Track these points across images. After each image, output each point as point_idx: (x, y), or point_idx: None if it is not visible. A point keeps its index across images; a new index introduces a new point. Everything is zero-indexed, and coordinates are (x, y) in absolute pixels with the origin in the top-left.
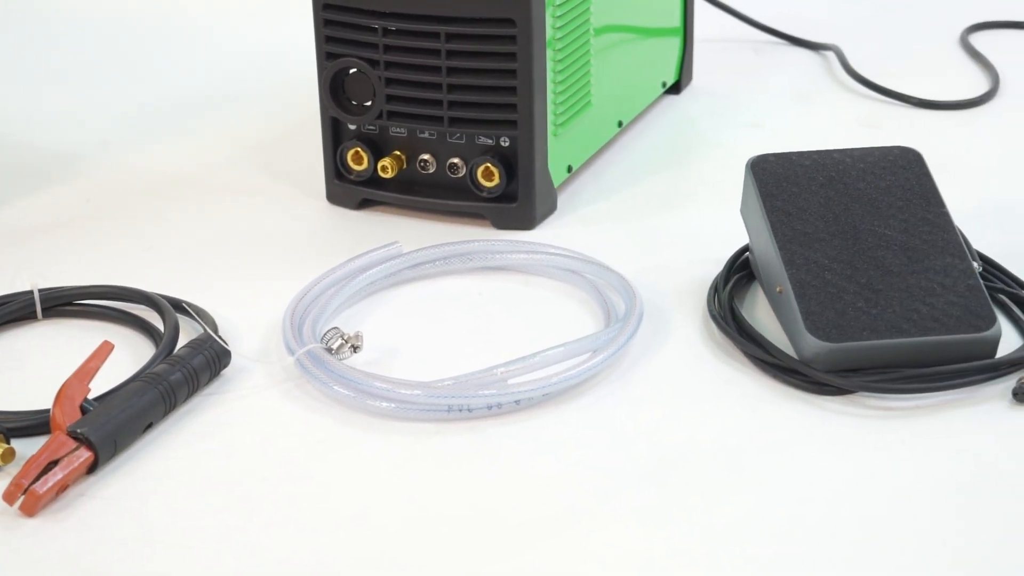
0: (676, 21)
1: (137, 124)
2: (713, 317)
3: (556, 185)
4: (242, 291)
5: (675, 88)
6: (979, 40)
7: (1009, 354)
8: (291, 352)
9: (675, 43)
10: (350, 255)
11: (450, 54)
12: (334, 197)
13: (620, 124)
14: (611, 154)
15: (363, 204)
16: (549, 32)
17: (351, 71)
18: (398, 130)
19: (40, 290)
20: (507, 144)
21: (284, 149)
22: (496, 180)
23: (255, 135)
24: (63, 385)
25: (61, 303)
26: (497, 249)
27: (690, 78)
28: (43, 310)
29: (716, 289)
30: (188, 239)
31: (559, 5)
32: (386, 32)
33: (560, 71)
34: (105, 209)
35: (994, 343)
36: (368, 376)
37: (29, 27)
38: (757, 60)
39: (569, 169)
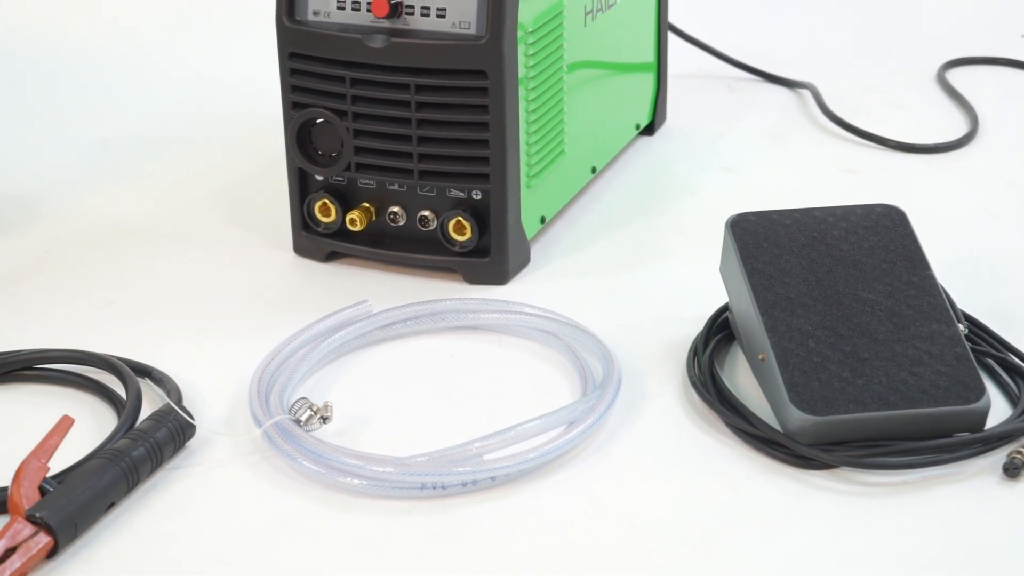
0: (650, 59)
1: (97, 164)
2: (693, 384)
3: (529, 237)
4: (206, 353)
5: (648, 129)
6: (956, 77)
7: (998, 426)
8: (258, 423)
9: (648, 83)
10: (318, 312)
11: (420, 106)
12: (301, 249)
13: (594, 170)
14: (584, 202)
15: (331, 256)
16: (522, 83)
17: (318, 121)
18: (367, 182)
19: None
20: (479, 197)
21: (248, 195)
22: (468, 234)
23: (217, 179)
24: (21, 464)
25: (18, 367)
26: (469, 308)
27: (663, 118)
28: None
29: (696, 353)
30: (150, 293)
31: (531, 55)
32: (354, 82)
33: (533, 121)
34: (64, 260)
35: (983, 415)
36: (338, 451)
37: None
38: (731, 98)
39: (542, 220)
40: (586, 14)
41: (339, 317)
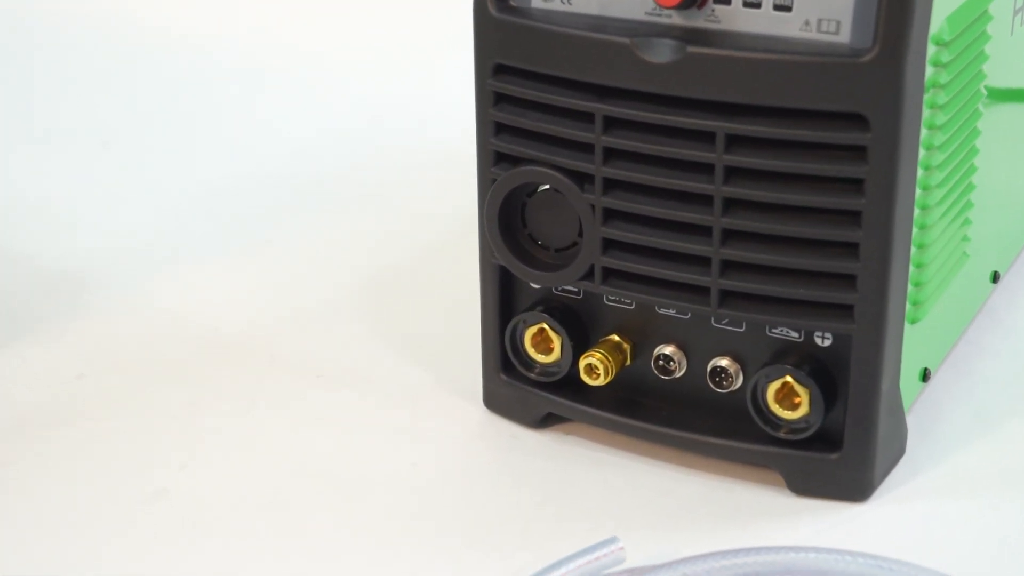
0: None
1: (180, 228)
2: None
3: (907, 407)
4: None
5: None
6: None
7: None
8: None
9: None
10: (528, 544)
11: (732, 173)
12: (497, 403)
13: (995, 278)
14: (981, 330)
15: (549, 420)
16: (925, 142)
17: (539, 189)
18: (620, 300)
19: None
20: (826, 343)
21: (403, 293)
22: (803, 408)
23: (361, 261)
24: None
25: None
26: (820, 567)
27: None
28: None
29: None
30: (234, 477)
31: (944, 87)
32: (611, 124)
33: (934, 206)
34: (103, 396)
35: None
36: None
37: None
38: None
39: (925, 376)
40: (1015, 13)
41: (570, 571)
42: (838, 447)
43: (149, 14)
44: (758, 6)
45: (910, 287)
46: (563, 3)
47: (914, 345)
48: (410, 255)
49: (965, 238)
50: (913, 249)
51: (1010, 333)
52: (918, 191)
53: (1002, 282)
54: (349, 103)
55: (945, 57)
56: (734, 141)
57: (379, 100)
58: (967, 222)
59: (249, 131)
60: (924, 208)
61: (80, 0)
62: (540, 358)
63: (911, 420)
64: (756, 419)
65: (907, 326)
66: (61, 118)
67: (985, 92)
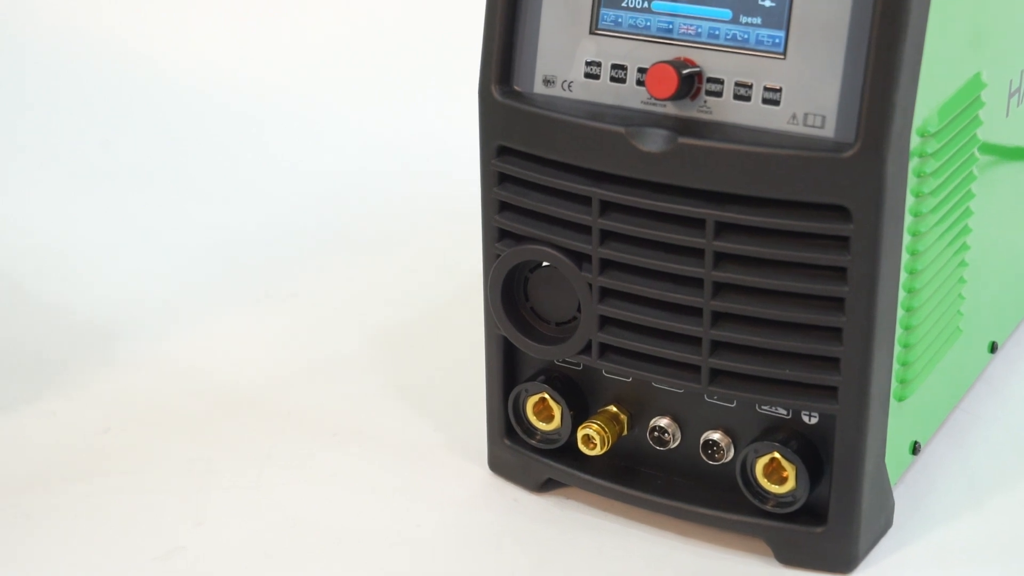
0: None
1: (206, 277)
2: None
3: (894, 482)
4: None
5: None
6: None
7: None
8: None
9: None
10: None
11: (721, 259)
12: (501, 467)
13: (993, 348)
14: (977, 399)
15: (549, 484)
16: (910, 228)
17: (541, 266)
18: (617, 375)
19: None
20: (813, 421)
21: (419, 347)
22: (790, 484)
23: (368, 317)
24: None
25: None
26: None
27: None
28: None
29: None
30: (251, 530)
31: (930, 176)
32: (607, 208)
33: (919, 290)
34: (127, 452)
35: None
36: None
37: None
38: None
39: (915, 449)
40: (1010, 96)
41: None
42: (823, 521)
43: (153, 57)
44: (748, 99)
45: (897, 366)
46: (564, 89)
47: (903, 421)
48: (431, 305)
49: (959, 314)
50: (900, 330)
51: (1007, 402)
52: (904, 275)
53: (1002, 350)
54: (368, 148)
55: (931, 147)
56: (723, 228)
57: (399, 145)
58: (960, 298)
59: (266, 178)
60: (911, 291)
61: (79, 50)
62: (541, 426)
63: (903, 491)
64: (745, 492)
65: (895, 403)
66: (71, 160)
67: (978, 174)
